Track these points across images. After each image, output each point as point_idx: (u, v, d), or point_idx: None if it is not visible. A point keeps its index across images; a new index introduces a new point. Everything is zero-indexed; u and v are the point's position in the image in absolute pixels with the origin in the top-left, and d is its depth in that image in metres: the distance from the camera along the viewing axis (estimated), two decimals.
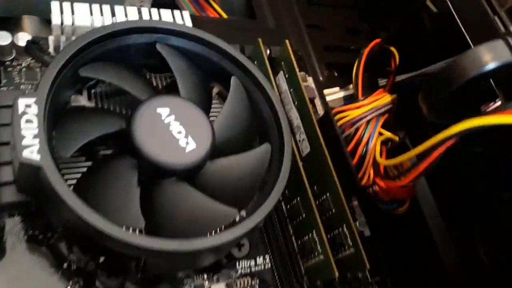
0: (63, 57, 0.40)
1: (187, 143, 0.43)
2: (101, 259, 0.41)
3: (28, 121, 0.36)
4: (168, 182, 0.42)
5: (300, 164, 0.55)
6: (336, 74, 0.79)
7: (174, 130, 0.43)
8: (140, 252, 0.36)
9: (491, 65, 0.34)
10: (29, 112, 0.37)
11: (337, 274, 0.48)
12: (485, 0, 0.40)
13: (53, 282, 0.44)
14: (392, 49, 0.68)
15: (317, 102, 0.70)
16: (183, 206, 0.42)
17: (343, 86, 0.75)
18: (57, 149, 0.39)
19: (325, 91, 0.73)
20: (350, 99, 0.72)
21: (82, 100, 0.48)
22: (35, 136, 0.36)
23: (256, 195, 0.47)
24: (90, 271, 0.44)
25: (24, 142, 0.35)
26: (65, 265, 0.44)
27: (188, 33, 0.48)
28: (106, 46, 0.44)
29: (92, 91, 0.49)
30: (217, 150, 0.46)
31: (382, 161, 0.53)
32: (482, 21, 0.40)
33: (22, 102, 0.37)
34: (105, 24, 0.49)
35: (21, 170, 0.36)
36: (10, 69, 0.52)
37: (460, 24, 0.43)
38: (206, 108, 0.48)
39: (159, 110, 0.43)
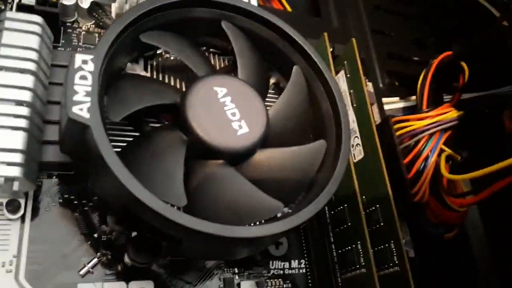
0: (125, 20, 0.39)
1: (240, 126, 0.40)
2: (133, 233, 0.39)
3: (82, 77, 0.35)
4: (215, 163, 0.40)
5: (353, 169, 0.51)
6: (397, 83, 0.74)
7: (229, 111, 0.40)
8: (178, 230, 0.34)
9: None
10: (85, 68, 0.35)
11: None
12: None
13: (81, 251, 0.42)
14: (463, 64, 0.63)
15: (374, 108, 0.66)
16: (227, 191, 0.39)
17: (403, 97, 0.71)
18: (107, 112, 0.37)
19: (384, 99, 0.69)
20: (409, 111, 0.68)
21: (137, 69, 0.46)
22: (87, 94, 0.34)
23: (302, 194, 0.44)
24: (120, 245, 0.42)
25: (76, 98, 0.34)
26: (95, 235, 0.43)
27: (257, 14, 0.45)
28: (169, 16, 0.42)
29: (149, 62, 0.48)
30: (269, 140, 0.43)
31: (448, 175, 0.48)
32: None
33: (79, 58, 0.35)
34: None
35: (68, 127, 0.34)
36: (70, 30, 0.51)
37: None
38: (262, 95, 0.46)
39: (216, 88, 0.41)
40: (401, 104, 0.70)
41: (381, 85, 0.71)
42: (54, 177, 0.44)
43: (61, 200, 0.43)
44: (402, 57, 0.77)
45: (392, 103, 0.70)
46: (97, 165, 0.34)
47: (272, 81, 0.52)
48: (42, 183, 0.43)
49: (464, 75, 0.63)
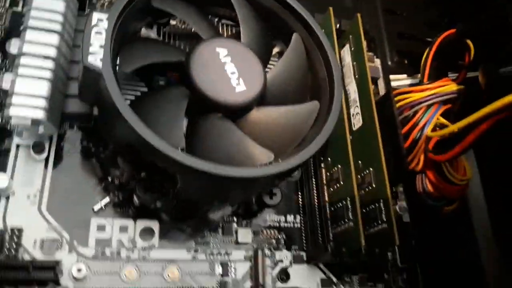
0: None
1: (238, 84, 0.44)
2: (142, 174, 0.44)
3: (97, 32, 0.40)
4: (213, 116, 0.44)
5: (347, 132, 0.55)
6: (406, 62, 0.76)
7: (228, 70, 0.45)
8: (174, 167, 0.39)
9: None
10: (100, 25, 0.40)
11: (363, 242, 0.48)
12: None
13: (96, 191, 0.48)
14: (469, 42, 0.65)
15: (380, 83, 0.69)
16: (223, 140, 0.43)
17: (411, 74, 0.73)
18: (120, 64, 0.42)
19: (392, 76, 0.72)
20: None
21: (151, 34, 0.51)
22: (101, 46, 0.39)
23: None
24: (130, 188, 0.47)
25: (91, 49, 0.39)
26: (109, 178, 0.48)
27: None
28: None
29: (162, 29, 0.53)
30: (266, 100, 0.47)
31: (431, 134, 0.51)
32: None
33: (95, 16, 0.40)
34: None
35: (84, 76, 0.40)
36: (94, 1, 0.57)
37: None
38: (263, 59, 0.50)
39: (218, 49, 0.45)
40: (408, 81, 0.73)
41: (389, 63, 0.73)
42: (76, 127, 0.50)
43: (80, 147, 0.49)
44: (413, 37, 0.78)
45: (400, 80, 0.73)
46: (109, 111, 0.39)
47: (276, 50, 0.56)
48: (66, 131, 0.49)
49: (470, 53, 0.65)
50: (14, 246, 0.43)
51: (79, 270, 0.44)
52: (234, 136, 0.44)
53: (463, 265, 0.65)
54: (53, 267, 0.42)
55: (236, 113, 0.45)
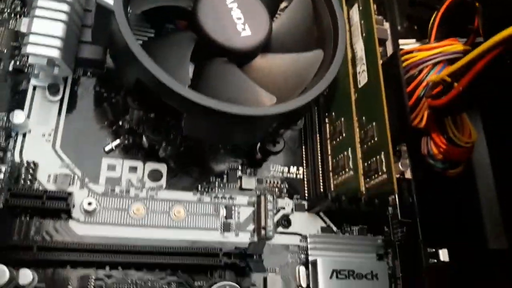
0: None
1: (243, 29, 0.46)
2: (151, 115, 0.46)
3: None
4: (219, 60, 0.46)
5: (352, 87, 0.56)
6: (416, 28, 0.77)
7: (235, 15, 0.46)
8: (179, 102, 0.40)
9: None
10: None
11: (362, 189, 0.49)
12: None
13: (107, 133, 0.50)
14: (478, 4, 0.65)
15: (388, 44, 0.69)
16: (228, 83, 0.45)
17: (420, 39, 0.73)
18: (131, 6, 0.44)
19: (401, 41, 0.72)
20: None
21: None
22: None
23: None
24: (139, 133, 0.50)
25: None
26: (120, 122, 0.51)
27: None
28: None
29: None
30: (271, 49, 0.49)
31: (433, 77, 0.52)
32: None
33: None
34: None
35: (96, 14, 0.42)
36: None
37: None
38: (270, 10, 0.51)
39: None
40: (416, 45, 0.73)
41: (399, 28, 0.74)
42: (89, 73, 0.52)
43: (93, 93, 0.51)
44: (424, 4, 0.79)
45: (408, 44, 0.73)
46: (119, 50, 0.41)
47: (284, 4, 0.57)
48: (80, 76, 0.51)
49: (479, 17, 0.65)
50: (30, 178, 0.45)
51: (89, 203, 0.46)
52: (238, 80, 0.45)
53: (465, 226, 0.65)
54: (66, 198, 0.44)
55: (241, 58, 0.47)
